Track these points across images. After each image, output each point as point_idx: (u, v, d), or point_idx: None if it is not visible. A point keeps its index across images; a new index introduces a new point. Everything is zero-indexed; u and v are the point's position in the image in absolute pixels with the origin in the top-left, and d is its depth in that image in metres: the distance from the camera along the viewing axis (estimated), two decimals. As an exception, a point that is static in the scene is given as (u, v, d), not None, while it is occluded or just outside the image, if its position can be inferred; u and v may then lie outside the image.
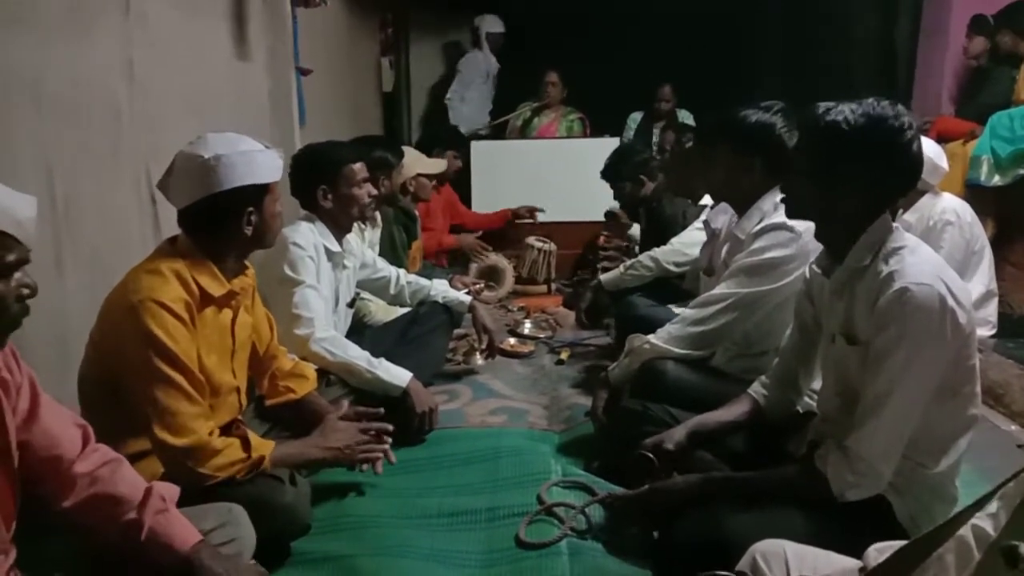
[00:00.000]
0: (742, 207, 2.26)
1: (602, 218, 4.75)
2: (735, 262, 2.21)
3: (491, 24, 6.35)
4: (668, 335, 2.25)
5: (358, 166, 2.68)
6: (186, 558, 1.36)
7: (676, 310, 2.66)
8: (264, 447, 1.79)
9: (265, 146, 1.85)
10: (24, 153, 1.84)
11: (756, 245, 2.15)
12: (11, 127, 1.80)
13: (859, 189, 1.55)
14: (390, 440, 2.11)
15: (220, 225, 1.80)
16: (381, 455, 2.06)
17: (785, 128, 2.11)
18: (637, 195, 3.94)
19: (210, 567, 1.36)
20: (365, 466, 2.04)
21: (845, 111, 1.53)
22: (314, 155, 2.69)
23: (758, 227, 2.17)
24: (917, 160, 1.54)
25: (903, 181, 1.58)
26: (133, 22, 2.31)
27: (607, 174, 3.99)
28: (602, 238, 4.65)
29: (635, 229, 4.33)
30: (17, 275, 1.19)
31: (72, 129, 2.03)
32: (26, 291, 1.20)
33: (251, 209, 1.80)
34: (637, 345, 2.30)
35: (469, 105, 6.21)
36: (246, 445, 1.73)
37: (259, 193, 1.82)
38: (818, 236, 1.70)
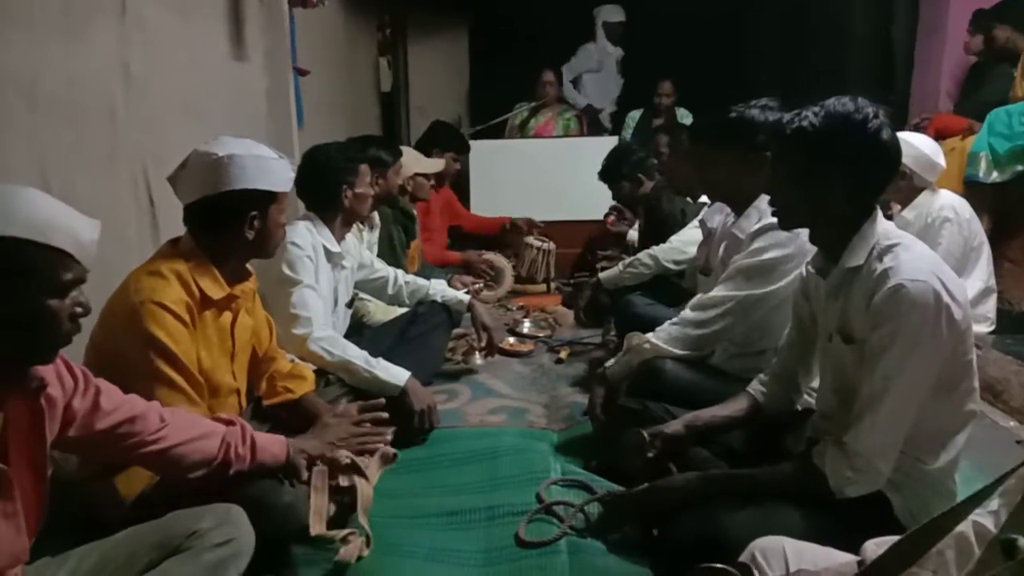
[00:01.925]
0: (741, 207, 2.26)
1: (600, 217, 4.75)
2: (734, 262, 2.21)
3: (608, 13, 6.25)
4: (668, 335, 2.25)
5: (365, 166, 2.76)
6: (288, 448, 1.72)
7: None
8: None
9: (279, 156, 1.86)
10: (20, 155, 1.85)
11: (755, 246, 2.15)
12: (7, 128, 1.80)
13: (844, 187, 1.56)
14: (390, 433, 2.09)
15: (223, 225, 1.81)
16: (380, 445, 2.03)
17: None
18: (635, 194, 3.95)
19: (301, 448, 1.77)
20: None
21: (808, 116, 1.56)
22: (334, 154, 2.71)
23: (757, 226, 2.17)
24: (891, 146, 1.56)
25: (883, 169, 1.59)
26: (129, 23, 2.31)
27: (605, 175, 3.99)
28: (610, 219, 4.63)
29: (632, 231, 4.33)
30: (73, 293, 1.23)
31: (68, 130, 2.03)
32: (79, 310, 1.25)
33: (255, 213, 1.82)
34: (636, 343, 2.30)
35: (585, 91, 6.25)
36: None
37: (265, 199, 1.83)
38: (813, 240, 1.71)
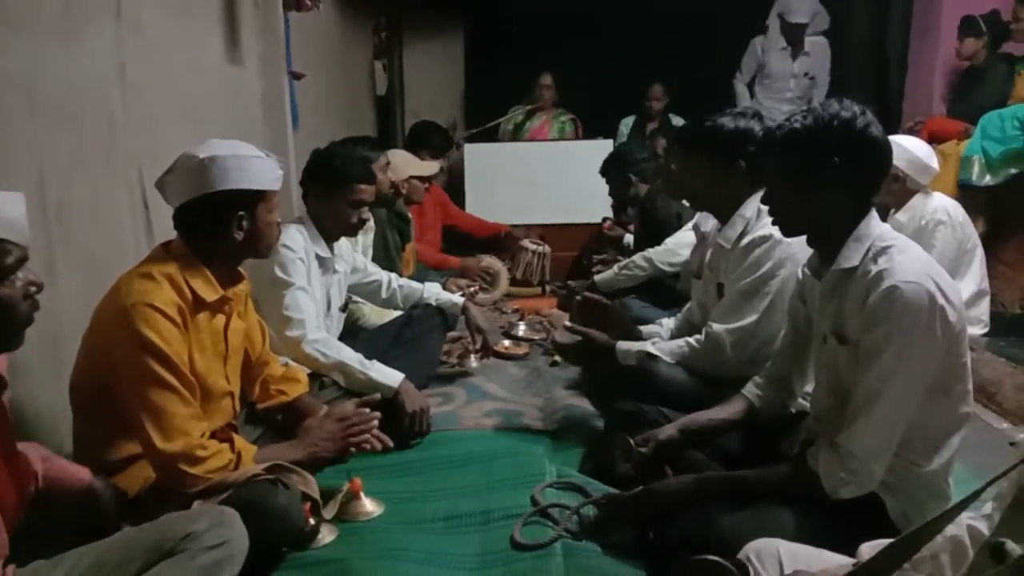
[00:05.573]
0: (724, 215, 2.25)
1: (596, 220, 4.76)
2: (732, 283, 2.20)
3: (792, 11, 5.46)
4: (671, 355, 2.24)
5: (363, 187, 2.66)
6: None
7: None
8: (246, 452, 1.79)
9: (266, 154, 1.86)
10: (17, 157, 1.85)
11: (747, 263, 2.14)
12: (4, 131, 1.80)
13: (839, 188, 1.58)
14: (376, 421, 2.08)
15: (212, 227, 1.81)
16: (368, 436, 2.03)
17: (761, 131, 2.09)
18: (626, 193, 3.98)
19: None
20: (364, 447, 2.02)
21: (798, 120, 1.58)
22: (331, 157, 2.69)
23: (747, 240, 2.15)
24: (882, 143, 1.57)
25: (876, 166, 1.60)
26: (126, 27, 2.31)
27: (604, 169, 4.02)
28: (607, 224, 4.65)
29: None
30: (20, 274, 1.22)
31: (66, 133, 2.03)
32: (33, 288, 1.24)
33: (242, 214, 1.81)
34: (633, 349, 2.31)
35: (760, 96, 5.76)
36: (234, 449, 1.74)
37: (251, 199, 1.82)
38: (810, 242, 1.71)
